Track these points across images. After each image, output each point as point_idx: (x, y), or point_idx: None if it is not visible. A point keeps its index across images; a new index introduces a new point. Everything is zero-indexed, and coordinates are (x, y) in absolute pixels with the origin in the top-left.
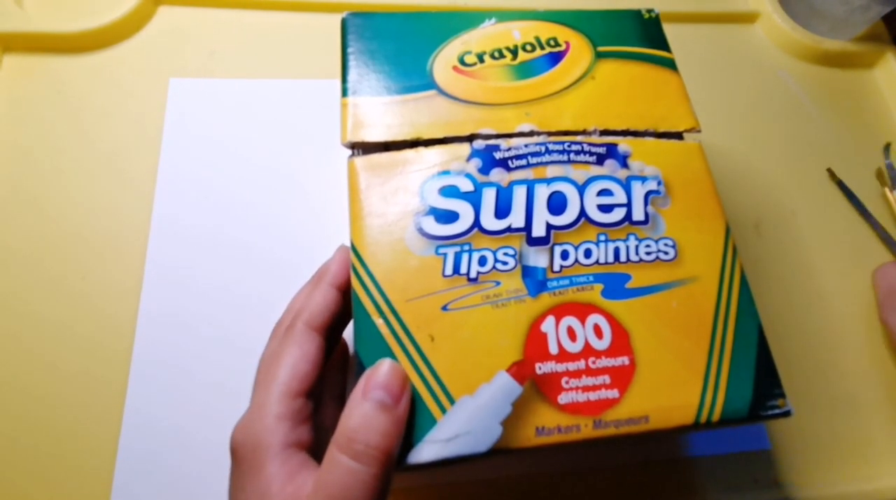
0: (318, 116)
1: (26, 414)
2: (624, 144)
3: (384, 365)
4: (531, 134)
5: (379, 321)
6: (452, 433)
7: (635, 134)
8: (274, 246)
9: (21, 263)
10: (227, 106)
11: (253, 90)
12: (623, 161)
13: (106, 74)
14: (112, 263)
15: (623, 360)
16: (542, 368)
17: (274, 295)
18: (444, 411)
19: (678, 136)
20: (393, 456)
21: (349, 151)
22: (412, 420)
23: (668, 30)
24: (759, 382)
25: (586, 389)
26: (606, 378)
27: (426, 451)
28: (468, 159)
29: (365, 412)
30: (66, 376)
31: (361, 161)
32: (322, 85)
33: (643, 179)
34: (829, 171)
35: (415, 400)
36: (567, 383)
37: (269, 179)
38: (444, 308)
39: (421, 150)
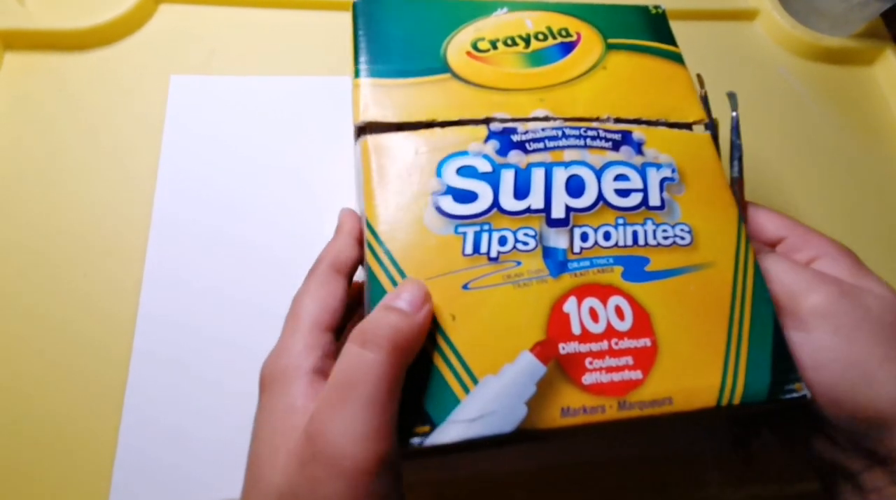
0: (318, 113)
1: (26, 412)
2: (638, 132)
3: (408, 283)
4: (546, 119)
5: None
6: (477, 413)
7: (648, 123)
8: (274, 244)
9: (22, 260)
10: (227, 103)
11: (253, 87)
12: (638, 148)
13: (107, 72)
14: (113, 260)
15: (645, 341)
16: (566, 348)
17: (274, 294)
18: (467, 390)
19: (688, 127)
20: (403, 351)
21: (355, 139)
22: (435, 397)
23: None
24: (776, 366)
25: (610, 370)
26: (629, 360)
27: (451, 431)
28: (485, 141)
29: (381, 314)
30: (66, 373)
31: (374, 140)
32: (323, 82)
33: (658, 165)
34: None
35: (436, 377)
36: (591, 363)
37: (270, 176)
38: (465, 287)
39: (437, 131)
